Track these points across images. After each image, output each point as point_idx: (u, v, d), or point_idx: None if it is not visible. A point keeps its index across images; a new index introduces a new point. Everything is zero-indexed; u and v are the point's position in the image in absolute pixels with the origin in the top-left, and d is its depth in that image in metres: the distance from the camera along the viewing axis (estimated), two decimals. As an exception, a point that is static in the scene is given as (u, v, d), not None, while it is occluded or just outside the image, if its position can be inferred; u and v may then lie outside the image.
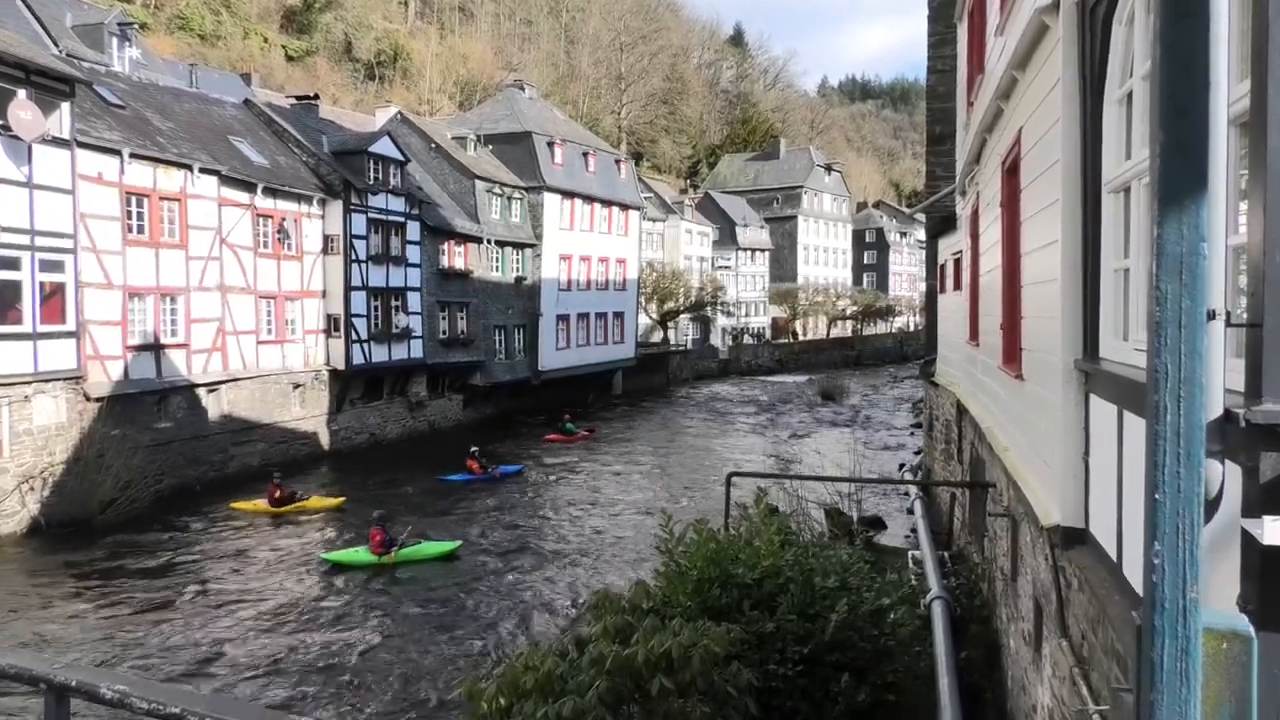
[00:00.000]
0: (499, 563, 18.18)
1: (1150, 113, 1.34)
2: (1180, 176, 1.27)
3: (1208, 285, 1.31)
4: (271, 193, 27.69)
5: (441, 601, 15.74)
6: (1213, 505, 1.53)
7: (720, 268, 71.83)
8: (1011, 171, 6.91)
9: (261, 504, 22.12)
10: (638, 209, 50.43)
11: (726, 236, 73.64)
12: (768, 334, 77.78)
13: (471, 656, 13.36)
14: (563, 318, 43.33)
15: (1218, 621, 1.42)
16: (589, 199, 45.09)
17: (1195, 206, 1.28)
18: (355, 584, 16.82)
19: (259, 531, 20.61)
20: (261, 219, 27.52)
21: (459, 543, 18.97)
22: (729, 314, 69.90)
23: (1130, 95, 3.78)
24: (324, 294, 30.11)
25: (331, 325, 30.24)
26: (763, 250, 78.15)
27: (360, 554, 18.06)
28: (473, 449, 27.00)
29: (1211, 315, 1.36)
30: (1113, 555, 3.89)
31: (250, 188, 26.81)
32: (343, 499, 23.02)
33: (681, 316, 62.53)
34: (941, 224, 16.52)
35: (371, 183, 31.08)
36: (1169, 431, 1.26)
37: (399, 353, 32.46)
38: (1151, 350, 1.30)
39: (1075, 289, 4.62)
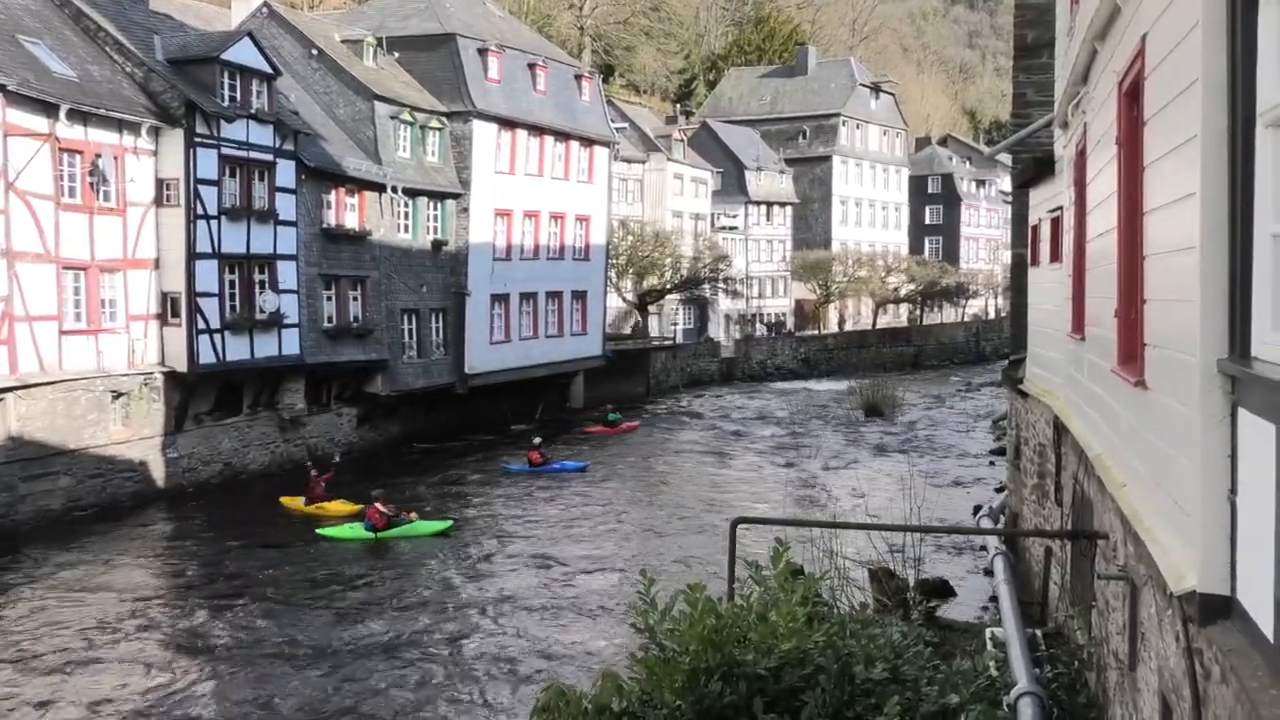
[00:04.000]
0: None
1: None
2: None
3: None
4: (81, 117, 27.43)
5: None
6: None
7: (724, 229, 72.04)
8: (1132, 95, 6.98)
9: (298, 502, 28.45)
10: (607, 145, 50.51)
11: (732, 184, 73.87)
12: (790, 323, 78.14)
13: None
14: (500, 299, 43.31)
15: None
16: (538, 130, 45.09)
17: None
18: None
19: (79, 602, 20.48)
20: (66, 155, 27.25)
21: (450, 522, 26.47)
22: (735, 294, 70.21)
23: (1296, -9, 3.84)
24: (157, 264, 29.89)
25: (168, 308, 30.04)
26: (783, 204, 78.47)
27: (355, 529, 25.66)
28: (536, 440, 35.16)
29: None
30: (1269, 633, 3.94)
31: (50, 110, 26.52)
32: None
33: (668, 298, 62.63)
34: (1034, 168, 16.65)
35: (226, 104, 30.87)
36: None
37: (265, 348, 32.31)
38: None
39: (1219, 261, 4.66)
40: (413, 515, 26.17)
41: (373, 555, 24.65)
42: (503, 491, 31.62)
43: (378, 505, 25.54)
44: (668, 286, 60.36)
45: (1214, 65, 4.67)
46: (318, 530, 25.85)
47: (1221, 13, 4.63)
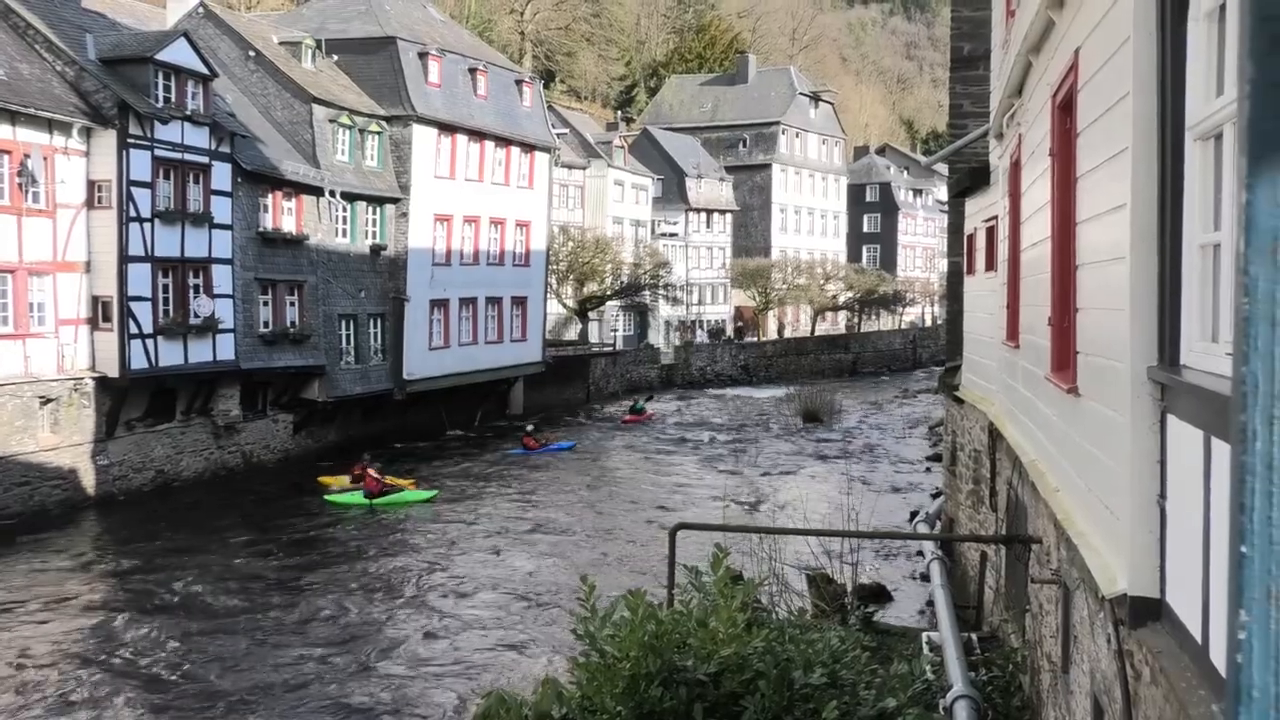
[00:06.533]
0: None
1: (1240, 35, 1.39)
2: (1278, 123, 1.32)
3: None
4: (9, 117, 26.92)
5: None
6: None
7: (664, 235, 72.21)
8: (1065, 108, 7.12)
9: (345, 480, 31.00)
10: (548, 151, 50.45)
11: (672, 191, 74.11)
12: (729, 329, 78.50)
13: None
14: (439, 304, 43.08)
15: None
16: (478, 135, 44.95)
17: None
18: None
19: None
20: (-5, 156, 26.75)
21: (436, 491, 30.49)
22: (675, 301, 70.41)
23: (1223, 7, 3.94)
24: (88, 267, 29.39)
25: (100, 313, 29.55)
26: (723, 211, 78.83)
27: (355, 496, 29.58)
28: (528, 427, 40.29)
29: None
30: (1197, 635, 4.03)
31: (-22, 109, 26.08)
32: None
33: (609, 304, 62.64)
34: (970, 178, 16.87)
35: (160, 105, 30.46)
36: (1259, 464, 1.31)
37: (200, 353, 31.89)
38: (1238, 355, 1.34)
39: (1149, 271, 4.77)
40: (406, 484, 30.31)
41: (322, 547, 24.77)
42: (483, 478, 33.81)
43: (370, 471, 29.55)
44: (608, 293, 60.38)
45: (1144, 79, 4.79)
46: (325, 497, 30.02)
47: (1152, 28, 4.74)
